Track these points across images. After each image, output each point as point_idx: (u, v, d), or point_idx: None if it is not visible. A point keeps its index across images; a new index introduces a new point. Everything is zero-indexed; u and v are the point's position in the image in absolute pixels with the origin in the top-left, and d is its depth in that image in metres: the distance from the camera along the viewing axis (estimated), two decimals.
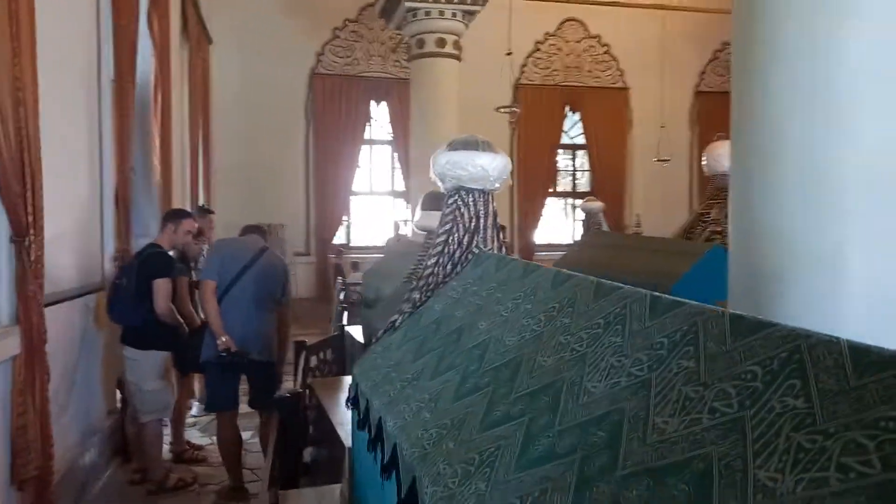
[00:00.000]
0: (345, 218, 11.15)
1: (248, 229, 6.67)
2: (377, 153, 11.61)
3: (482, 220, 2.15)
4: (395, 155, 11.32)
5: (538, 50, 11.75)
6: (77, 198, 3.65)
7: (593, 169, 12.18)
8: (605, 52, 12.03)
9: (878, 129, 2.18)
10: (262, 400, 3.61)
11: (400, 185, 11.45)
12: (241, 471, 3.61)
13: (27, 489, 2.65)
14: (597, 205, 7.25)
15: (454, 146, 2.14)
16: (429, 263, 2.16)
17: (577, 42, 11.86)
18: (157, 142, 5.30)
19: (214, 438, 4.63)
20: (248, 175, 10.11)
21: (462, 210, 2.13)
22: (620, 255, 6.22)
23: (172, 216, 3.85)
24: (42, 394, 2.71)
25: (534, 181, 11.50)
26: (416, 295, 2.16)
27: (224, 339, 3.38)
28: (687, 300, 1.43)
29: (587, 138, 12.06)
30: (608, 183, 11.86)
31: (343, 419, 3.02)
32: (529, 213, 11.52)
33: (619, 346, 1.27)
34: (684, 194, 12.36)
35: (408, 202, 11.18)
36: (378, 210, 11.63)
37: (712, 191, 7.64)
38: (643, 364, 1.23)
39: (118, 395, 4.21)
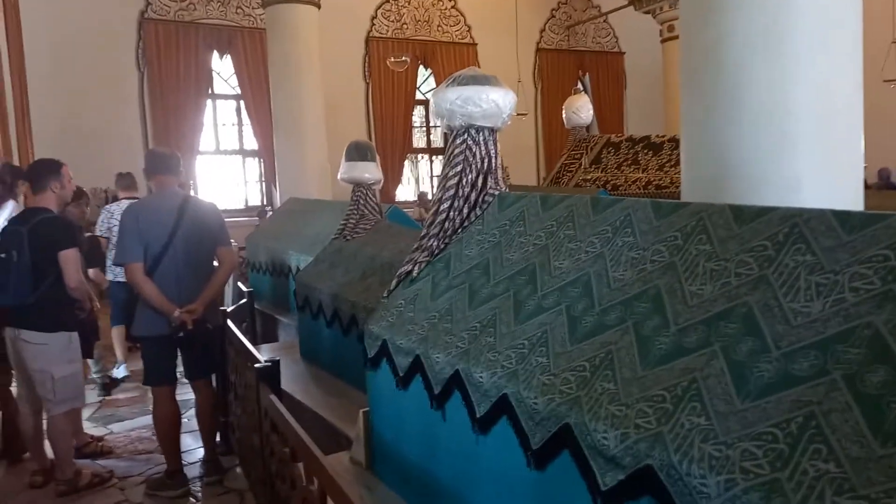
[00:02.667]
0: (191, 181, 10.25)
1: (124, 178, 5.73)
2: (222, 109, 10.76)
3: (493, 161, 2.11)
4: (243, 111, 10.56)
5: (387, 1, 11.52)
6: None
7: None
8: (453, 7, 12.12)
9: (824, 68, 2.45)
10: (206, 370, 3.31)
11: (249, 143, 10.75)
12: (180, 452, 3.28)
13: None
14: None
15: (462, 81, 2.05)
16: (441, 209, 2.08)
17: None
18: None
19: (113, 428, 4.15)
20: (76, 137, 8.85)
21: (473, 149, 2.07)
22: None
23: (48, 170, 3.23)
24: None
25: (392, 139, 11.41)
26: (433, 242, 2.07)
27: (177, 315, 3.01)
28: (687, 201, 1.60)
29: None
30: None
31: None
32: (389, 172, 11.43)
33: (633, 244, 1.48)
34: (531, 148, 12.99)
35: (261, 160, 10.56)
36: (227, 171, 10.85)
37: (573, 143, 8.14)
38: (663, 253, 1.45)
39: None
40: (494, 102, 2.03)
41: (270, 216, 8.09)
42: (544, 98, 12.95)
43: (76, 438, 3.59)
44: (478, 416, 1.50)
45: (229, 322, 3.36)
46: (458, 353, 1.61)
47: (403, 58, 10.24)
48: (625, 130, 13.11)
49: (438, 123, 2.13)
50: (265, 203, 10.95)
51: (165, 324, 3.06)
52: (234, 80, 10.50)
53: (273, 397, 2.16)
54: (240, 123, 10.80)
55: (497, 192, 2.07)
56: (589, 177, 7.60)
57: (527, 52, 12.80)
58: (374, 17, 11.39)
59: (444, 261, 2.00)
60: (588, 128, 7.92)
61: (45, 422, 3.30)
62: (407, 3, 11.73)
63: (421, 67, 11.91)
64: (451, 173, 2.08)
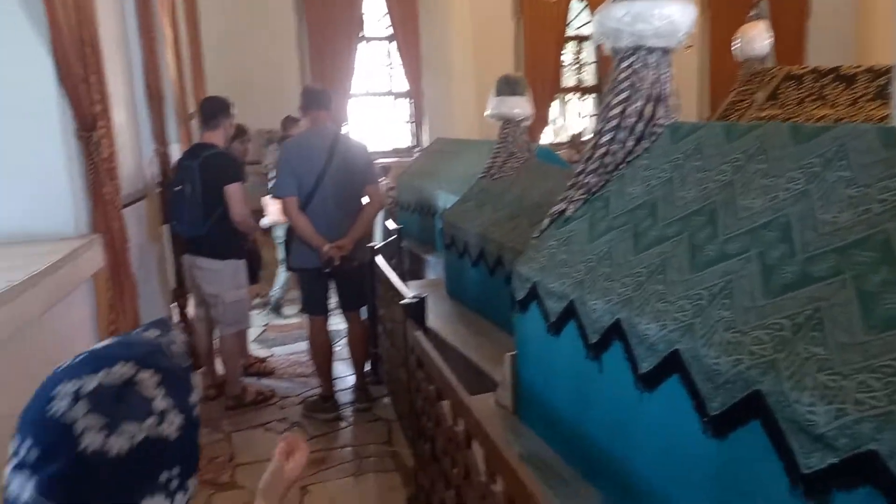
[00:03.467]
0: (344, 123, 10.59)
1: (290, 122, 6.00)
2: (373, 51, 10.91)
3: (665, 87, 1.86)
4: (396, 52, 10.62)
5: None
6: (119, 93, 3.22)
7: (600, 61, 11.64)
8: None
9: None
10: (357, 303, 3.42)
11: (399, 85, 10.86)
12: (332, 379, 3.44)
13: None
14: None
15: None
16: (601, 141, 1.88)
17: None
18: (168, 33, 4.75)
19: (275, 351, 4.47)
20: (241, 82, 9.40)
21: (641, 74, 1.83)
22: None
23: (220, 109, 3.42)
24: (134, 311, 2.45)
25: (542, 77, 10.98)
26: (591, 179, 1.88)
27: (326, 249, 3.12)
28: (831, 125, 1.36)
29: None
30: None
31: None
32: (538, 113, 11.07)
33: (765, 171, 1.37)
34: (693, 86, 11.94)
35: (411, 100, 10.65)
36: (378, 112, 11.07)
37: (746, 76, 7.32)
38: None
39: (175, 308, 3.95)
40: (669, 19, 1.76)
41: (418, 156, 8.16)
42: (713, 26, 11.75)
43: (243, 358, 3.88)
44: (641, 371, 1.35)
45: (378, 258, 3.41)
46: (620, 301, 1.44)
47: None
48: (806, 64, 11.63)
49: (604, 44, 1.90)
50: (414, 144, 11.10)
51: (317, 257, 3.16)
52: (385, 21, 10.57)
53: (419, 334, 2.13)
54: (390, 65, 10.92)
55: (668, 123, 1.83)
56: (764, 114, 6.82)
57: None
58: None
59: (602, 199, 1.82)
60: (763, 60, 7.07)
61: (216, 341, 3.59)
62: None
63: (574, 1, 11.24)
64: (613, 101, 1.86)
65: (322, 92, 3.36)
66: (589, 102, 11.99)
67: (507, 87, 3.46)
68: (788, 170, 1.32)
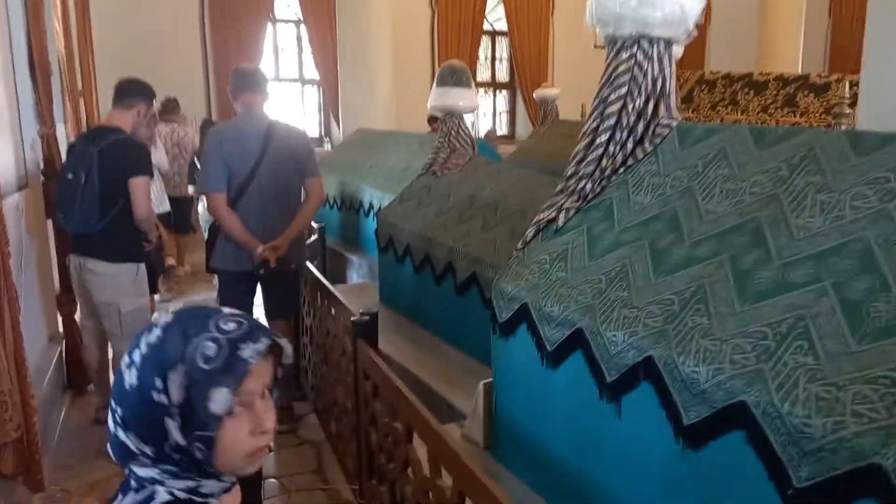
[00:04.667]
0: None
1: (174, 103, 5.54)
2: (282, 34, 10.29)
3: (668, 82, 1.65)
4: (305, 37, 10.06)
5: None
6: None
7: (514, 55, 11.64)
8: None
9: None
10: (288, 310, 3.06)
11: (310, 72, 10.31)
12: None
13: (4, 457, 1.96)
14: (553, 91, 6.82)
15: None
16: (598, 141, 1.65)
17: None
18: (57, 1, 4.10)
19: None
20: (137, 56, 8.52)
21: (644, 66, 1.62)
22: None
23: (142, 92, 2.91)
24: (15, 328, 1.97)
25: None
26: (585, 184, 1.65)
27: (260, 251, 2.71)
28: (798, 129, 1.36)
29: (508, 23, 11.41)
30: (529, 70, 11.42)
31: None
32: None
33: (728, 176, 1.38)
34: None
35: (321, 88, 10.13)
36: (285, 100, 10.47)
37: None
38: (764, 184, 1.29)
39: (58, 317, 3.39)
40: (679, 4, 1.56)
41: (338, 147, 7.71)
42: None
43: None
44: (685, 422, 1.13)
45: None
46: (650, 335, 1.22)
47: None
48: (706, 66, 12.12)
49: (599, 33, 1.67)
50: (323, 134, 10.59)
51: (247, 259, 2.76)
52: (295, 6, 9.98)
53: (378, 361, 1.82)
54: (300, 50, 10.34)
55: (673, 124, 1.63)
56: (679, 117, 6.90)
57: None
58: None
59: (602, 209, 1.59)
60: None
61: (110, 355, 3.09)
62: None
63: None
64: (612, 96, 1.64)
65: (255, 72, 2.94)
66: (501, 99, 11.96)
67: (452, 76, 3.19)
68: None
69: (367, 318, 2.02)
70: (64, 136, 3.90)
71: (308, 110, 10.63)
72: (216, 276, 3.10)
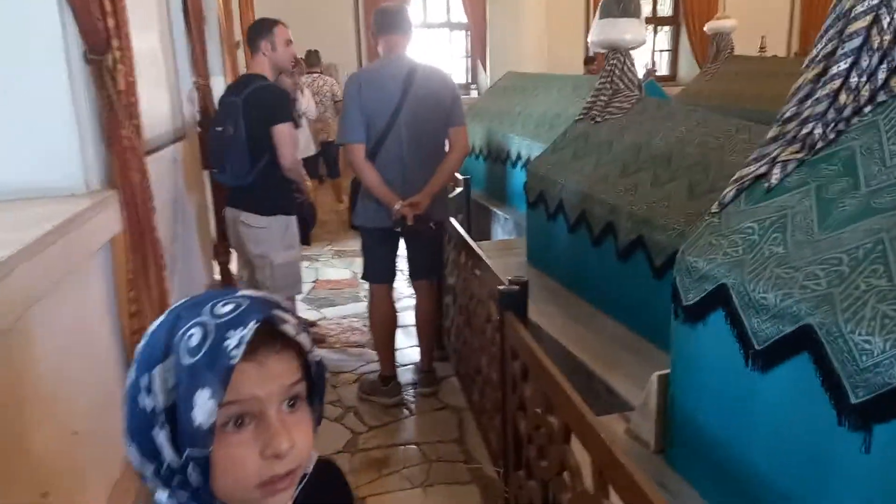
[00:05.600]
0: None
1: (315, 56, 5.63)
2: None
3: None
4: None
5: None
6: (145, 12, 2.66)
7: None
8: None
9: None
10: (431, 271, 2.90)
11: (457, 17, 9.99)
12: (394, 356, 2.94)
13: None
14: (729, 23, 6.00)
15: None
16: (834, 71, 1.23)
17: None
18: None
19: (325, 313, 4.00)
20: (288, 12, 8.70)
21: None
22: (764, 83, 5.11)
23: (260, 29, 2.80)
24: (160, 285, 1.96)
25: None
26: (815, 129, 1.24)
27: (398, 208, 2.57)
28: None
29: None
30: (697, 3, 10.29)
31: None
32: None
33: None
34: (785, 11, 10.69)
35: (468, 33, 9.80)
36: (434, 45, 10.27)
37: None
38: None
39: (216, 268, 3.50)
40: None
41: (485, 93, 7.45)
42: None
43: None
44: None
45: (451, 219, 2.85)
46: None
47: None
48: None
49: None
50: (470, 81, 10.33)
51: (387, 215, 2.61)
52: None
53: (529, 339, 1.57)
54: None
55: None
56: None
57: None
58: None
59: (838, 162, 1.19)
60: None
61: None
62: None
63: None
64: (858, 7, 1.20)
65: (398, 12, 2.71)
66: (663, 37, 10.93)
67: (618, 5, 2.76)
68: None
69: (516, 287, 1.77)
70: (222, 88, 3.98)
71: (455, 56, 10.39)
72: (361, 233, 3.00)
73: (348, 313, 3.98)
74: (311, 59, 6.70)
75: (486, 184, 4.69)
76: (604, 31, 2.80)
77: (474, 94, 9.27)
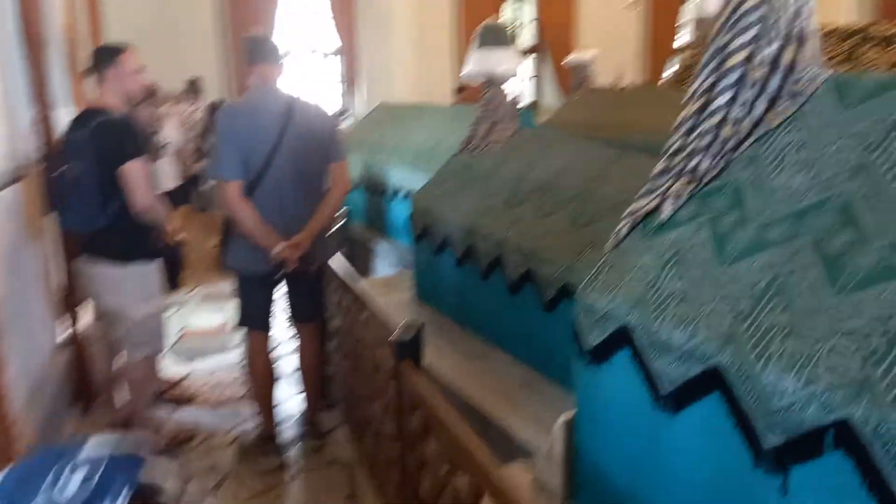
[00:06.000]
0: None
1: (192, 85, 5.33)
2: (298, 2, 9.80)
3: (808, 22, 1.23)
4: (318, 5, 9.56)
5: None
6: None
7: (540, 19, 11.07)
8: None
9: None
10: (314, 312, 2.72)
11: (327, 43, 9.84)
12: (273, 412, 2.70)
13: None
14: (588, 55, 6.32)
15: None
16: (715, 105, 1.24)
17: None
18: None
19: (195, 366, 3.65)
20: (148, 32, 8.15)
21: (777, 1, 1.20)
22: (626, 113, 5.44)
23: (104, 56, 2.49)
24: None
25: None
26: (701, 162, 1.24)
27: (278, 250, 2.36)
28: None
29: None
30: (555, 34, 10.88)
31: None
32: None
33: None
34: (637, 41, 11.49)
35: (343, 56, 9.66)
36: (303, 71, 10.04)
37: (702, 38, 6.90)
38: None
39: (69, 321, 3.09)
40: None
41: (358, 123, 7.35)
42: None
43: (155, 385, 3.06)
44: None
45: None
46: (842, 385, 0.83)
47: None
48: None
49: None
50: (346, 108, 10.16)
51: (265, 257, 2.41)
52: None
53: (432, 395, 1.46)
54: (319, 19, 9.85)
55: (822, 75, 1.21)
56: None
57: None
58: None
59: (727, 194, 1.19)
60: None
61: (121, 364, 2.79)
62: None
63: None
64: (734, 43, 1.22)
65: (269, 42, 2.55)
66: (526, 65, 11.40)
67: (493, 37, 2.77)
68: None
69: (410, 335, 1.65)
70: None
71: (327, 83, 10.20)
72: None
73: (221, 364, 3.66)
74: (192, 88, 6.41)
75: (366, 216, 4.56)
76: (480, 61, 2.79)
77: (348, 122, 9.15)
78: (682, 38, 6.71)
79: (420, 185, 3.08)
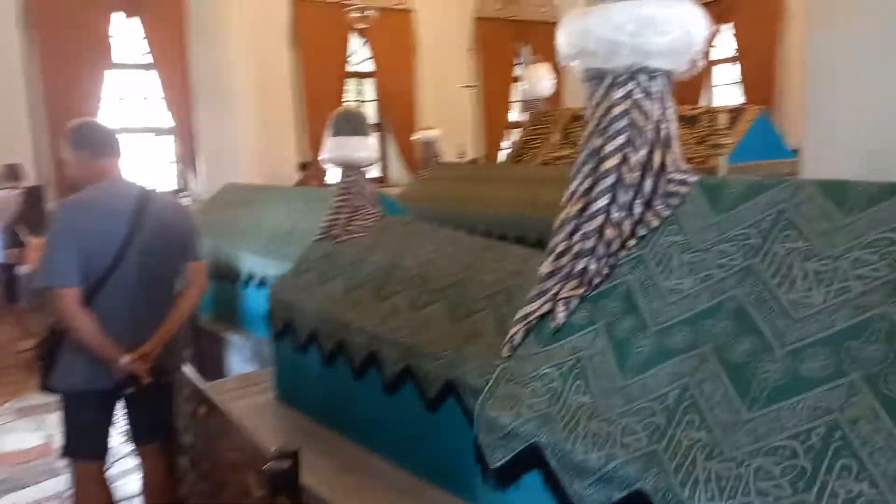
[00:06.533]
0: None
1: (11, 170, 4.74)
2: (130, 80, 9.25)
3: (672, 126, 1.30)
4: (158, 82, 9.11)
5: None
6: None
7: (381, 97, 11.39)
8: None
9: None
10: (161, 430, 2.35)
11: (161, 120, 9.33)
12: None
13: None
14: (433, 133, 6.55)
15: None
16: (595, 207, 1.25)
17: None
18: None
19: (10, 498, 3.05)
20: None
21: (645, 108, 1.25)
22: (478, 188, 5.65)
23: None
24: None
25: (324, 112, 10.29)
26: (589, 265, 1.24)
27: (126, 362, 2.02)
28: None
29: (375, 64, 11.18)
30: (396, 112, 11.23)
31: None
32: (317, 147, 10.35)
33: None
34: (472, 121, 12.14)
35: (177, 138, 9.16)
36: (138, 150, 9.39)
37: (536, 117, 7.46)
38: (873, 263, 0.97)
39: None
40: (684, 29, 1.21)
41: (203, 205, 6.95)
42: (486, 68, 12.11)
43: None
44: None
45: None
46: None
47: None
48: (562, 104, 12.50)
49: (580, 66, 1.29)
50: (182, 188, 9.60)
51: (105, 373, 2.07)
52: (142, 47, 9.02)
53: None
54: (147, 97, 9.34)
55: (691, 178, 1.26)
56: (560, 154, 6.90)
57: (463, 21, 11.98)
58: None
59: (618, 297, 1.18)
60: (544, 101, 7.03)
61: None
62: None
63: (351, 36, 10.82)
64: (607, 147, 1.25)
65: (109, 131, 2.31)
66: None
67: (348, 124, 2.71)
68: None
69: (285, 466, 1.46)
70: None
71: (159, 162, 9.60)
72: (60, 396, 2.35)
73: (43, 495, 3.10)
74: (10, 174, 6.07)
75: (215, 307, 4.20)
76: (337, 148, 2.71)
77: (187, 201, 8.63)
78: (513, 115, 7.18)
79: (276, 272, 2.89)
